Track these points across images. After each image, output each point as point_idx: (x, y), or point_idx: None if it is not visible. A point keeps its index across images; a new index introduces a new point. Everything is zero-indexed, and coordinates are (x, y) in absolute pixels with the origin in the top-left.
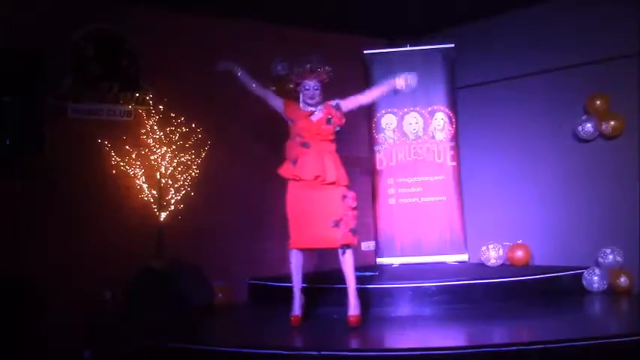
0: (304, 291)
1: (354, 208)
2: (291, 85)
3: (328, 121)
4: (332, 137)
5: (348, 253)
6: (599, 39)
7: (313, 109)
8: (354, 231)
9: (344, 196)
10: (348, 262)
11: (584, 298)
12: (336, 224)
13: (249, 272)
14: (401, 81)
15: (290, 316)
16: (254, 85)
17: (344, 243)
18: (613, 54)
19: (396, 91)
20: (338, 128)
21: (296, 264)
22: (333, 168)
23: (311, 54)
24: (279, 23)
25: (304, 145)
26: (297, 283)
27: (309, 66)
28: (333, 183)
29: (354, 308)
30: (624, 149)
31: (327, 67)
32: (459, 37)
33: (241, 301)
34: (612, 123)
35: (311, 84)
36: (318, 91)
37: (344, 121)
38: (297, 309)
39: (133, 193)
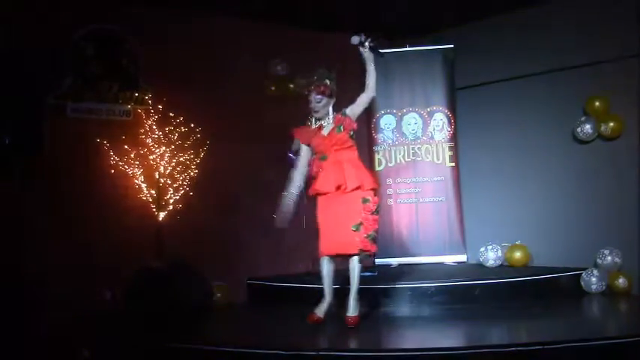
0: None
1: (374, 212)
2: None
3: (338, 129)
4: (349, 144)
5: (356, 258)
6: (599, 40)
7: (323, 122)
8: (373, 237)
9: (364, 200)
10: (356, 265)
11: (583, 299)
12: (357, 228)
13: (247, 272)
14: (355, 38)
15: (310, 313)
16: (299, 178)
17: (361, 248)
18: (612, 56)
19: (381, 55)
20: (352, 133)
21: (326, 271)
22: (354, 174)
23: (320, 68)
24: (279, 23)
25: (322, 159)
26: (327, 287)
27: (311, 80)
28: (357, 188)
29: (353, 310)
30: (623, 150)
31: (327, 81)
32: (458, 38)
33: (240, 301)
34: (611, 124)
35: (314, 97)
36: (320, 104)
37: (355, 125)
38: (320, 311)
39: (132, 193)
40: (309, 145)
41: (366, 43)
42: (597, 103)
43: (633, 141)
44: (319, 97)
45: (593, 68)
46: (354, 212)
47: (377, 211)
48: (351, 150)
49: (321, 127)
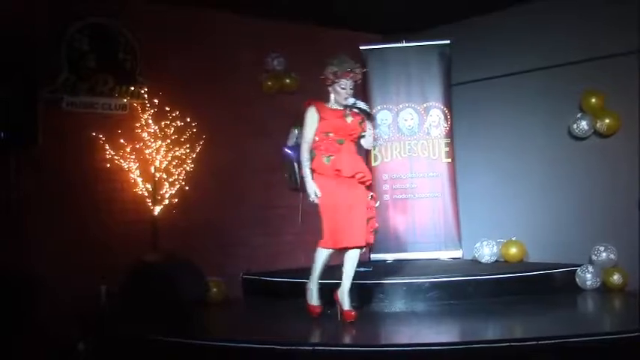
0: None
1: (375, 209)
2: (327, 83)
3: (360, 123)
4: (357, 140)
5: (358, 250)
6: (595, 37)
7: (341, 109)
8: (376, 231)
9: (371, 196)
10: (354, 259)
11: (578, 295)
12: (367, 222)
13: (243, 267)
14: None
15: (312, 307)
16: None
17: (368, 242)
18: (608, 52)
19: (368, 116)
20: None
21: (327, 262)
22: (366, 168)
23: (340, 54)
24: (277, 18)
25: (339, 142)
26: (318, 277)
27: (346, 65)
28: (365, 182)
29: (348, 303)
30: (619, 147)
31: (362, 69)
32: (454, 33)
33: (235, 296)
34: (607, 121)
35: (348, 83)
36: (352, 91)
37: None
38: (318, 301)
39: (128, 187)
40: (323, 118)
41: (358, 105)
42: (593, 100)
43: (629, 138)
44: (352, 83)
45: (589, 64)
46: (366, 206)
47: (376, 207)
48: (356, 146)
49: (344, 113)
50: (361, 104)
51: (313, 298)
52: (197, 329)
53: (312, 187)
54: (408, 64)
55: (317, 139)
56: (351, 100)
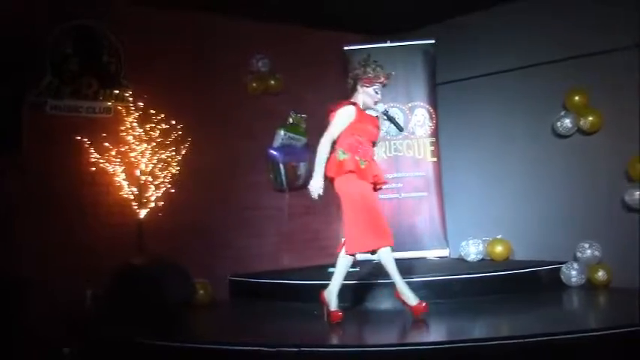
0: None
1: None
2: (358, 84)
3: (382, 127)
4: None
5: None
6: (578, 35)
7: (375, 115)
8: None
9: None
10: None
11: (563, 292)
12: None
13: (229, 269)
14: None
15: (333, 313)
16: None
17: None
18: (592, 50)
19: (398, 126)
20: None
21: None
22: None
23: (371, 57)
24: (261, 20)
25: (374, 145)
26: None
27: (383, 70)
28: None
29: (413, 298)
30: (602, 144)
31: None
32: (439, 33)
33: (222, 298)
34: (590, 119)
35: (379, 88)
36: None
37: None
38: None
39: (113, 191)
40: (359, 121)
41: (390, 114)
42: (577, 98)
43: (611, 135)
44: (381, 88)
45: (572, 62)
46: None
47: None
48: None
49: (378, 121)
50: (394, 114)
51: (333, 304)
52: (184, 332)
53: (320, 184)
54: (392, 64)
55: (349, 140)
56: (383, 108)
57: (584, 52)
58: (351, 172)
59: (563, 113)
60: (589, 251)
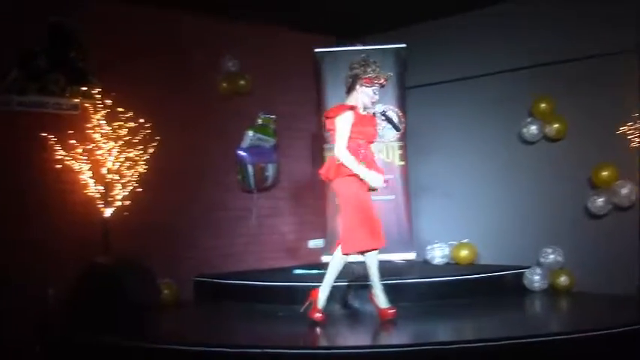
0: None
1: None
2: (357, 83)
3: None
4: None
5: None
6: (545, 43)
7: (371, 115)
8: None
9: None
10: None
11: (526, 296)
12: None
13: (195, 269)
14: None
15: (320, 313)
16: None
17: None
18: (557, 58)
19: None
20: None
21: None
22: None
23: (369, 57)
24: (232, 19)
25: (371, 150)
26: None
27: (383, 71)
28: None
29: (385, 302)
30: (567, 151)
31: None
32: (410, 37)
33: (186, 299)
34: (555, 126)
35: (377, 89)
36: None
37: None
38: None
39: (79, 189)
40: (359, 124)
41: (388, 114)
42: (543, 105)
43: (576, 142)
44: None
45: (539, 70)
46: None
47: None
48: None
49: (374, 120)
50: (392, 115)
51: (321, 302)
52: (149, 332)
53: (374, 174)
54: None
55: (349, 144)
56: (381, 108)
57: (550, 60)
58: (350, 175)
59: (529, 120)
60: (552, 256)
